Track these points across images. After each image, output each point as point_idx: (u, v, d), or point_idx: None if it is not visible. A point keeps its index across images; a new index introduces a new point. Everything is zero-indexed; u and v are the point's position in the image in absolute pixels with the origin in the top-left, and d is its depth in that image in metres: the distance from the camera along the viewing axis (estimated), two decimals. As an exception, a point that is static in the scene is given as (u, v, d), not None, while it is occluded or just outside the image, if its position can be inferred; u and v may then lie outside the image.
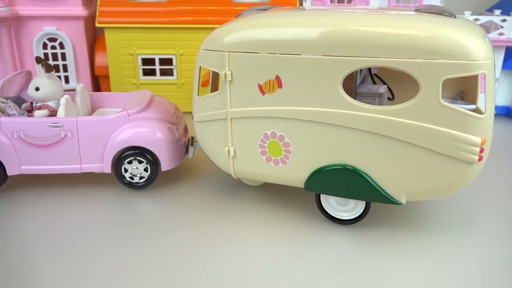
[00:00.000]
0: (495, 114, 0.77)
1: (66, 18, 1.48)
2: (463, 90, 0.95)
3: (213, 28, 0.88)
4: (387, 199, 0.79)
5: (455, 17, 0.76)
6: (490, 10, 1.62)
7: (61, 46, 1.51)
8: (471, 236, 0.83)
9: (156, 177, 0.98)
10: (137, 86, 1.50)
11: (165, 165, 0.98)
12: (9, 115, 0.96)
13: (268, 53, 0.78)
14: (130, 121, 0.95)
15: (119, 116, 0.95)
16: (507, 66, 1.47)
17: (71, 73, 1.54)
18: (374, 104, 0.79)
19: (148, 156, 0.96)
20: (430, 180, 0.76)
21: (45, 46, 1.49)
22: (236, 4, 1.47)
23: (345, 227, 0.85)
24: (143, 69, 1.49)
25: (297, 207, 0.91)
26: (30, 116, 0.97)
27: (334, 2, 1.55)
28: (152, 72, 1.50)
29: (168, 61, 1.49)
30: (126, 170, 0.96)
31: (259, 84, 0.81)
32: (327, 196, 0.84)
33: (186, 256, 0.76)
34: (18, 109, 0.99)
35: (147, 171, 0.97)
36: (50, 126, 0.91)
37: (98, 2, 1.45)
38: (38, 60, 0.98)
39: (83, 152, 0.94)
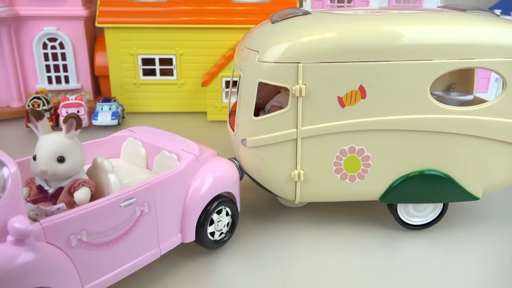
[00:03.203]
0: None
1: (66, 18, 1.48)
2: (455, 82, 0.97)
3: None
4: (467, 197, 0.80)
5: (498, 16, 0.79)
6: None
7: (61, 46, 1.51)
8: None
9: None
10: (137, 86, 1.50)
11: (239, 206, 0.81)
12: (34, 219, 0.58)
13: (351, 62, 0.71)
14: (200, 166, 0.74)
15: (190, 163, 0.71)
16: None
17: (71, 73, 1.54)
18: None
19: (230, 201, 0.78)
20: (510, 172, 0.79)
21: (45, 46, 1.49)
22: (236, 4, 1.47)
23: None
24: (143, 69, 1.49)
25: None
26: (55, 206, 0.60)
27: (334, 3, 1.55)
28: (152, 72, 1.50)
29: (168, 61, 1.49)
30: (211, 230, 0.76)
31: (338, 97, 0.73)
32: (405, 204, 0.82)
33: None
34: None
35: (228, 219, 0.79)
36: (121, 206, 0.62)
37: (98, 2, 1.45)
38: (37, 115, 0.61)
39: (161, 227, 0.68)
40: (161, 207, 0.67)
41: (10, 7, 1.41)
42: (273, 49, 0.73)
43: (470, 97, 0.93)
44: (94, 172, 0.67)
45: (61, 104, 1.34)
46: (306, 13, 0.80)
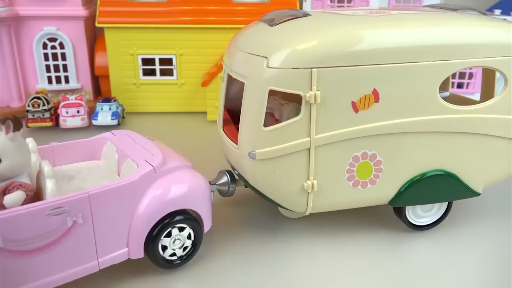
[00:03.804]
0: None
1: (66, 18, 1.48)
2: None
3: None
4: (471, 194, 0.81)
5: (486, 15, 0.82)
6: (490, 10, 1.61)
7: (61, 46, 1.51)
8: None
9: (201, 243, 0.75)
10: (137, 86, 1.50)
11: (207, 224, 0.75)
12: None
13: (366, 65, 0.69)
14: (158, 179, 0.68)
15: (145, 175, 0.66)
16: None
17: (71, 73, 1.54)
18: None
19: (192, 218, 0.72)
20: (509, 166, 0.82)
21: (45, 46, 1.49)
22: (236, 4, 1.47)
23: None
24: (143, 69, 1.49)
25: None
26: None
27: (334, 3, 1.55)
28: (152, 72, 1.50)
29: (168, 61, 1.49)
30: (164, 247, 0.70)
31: (352, 102, 0.71)
32: (412, 206, 0.82)
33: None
34: None
35: (189, 239, 0.73)
36: (49, 214, 0.58)
37: (98, 2, 1.45)
38: None
39: (100, 240, 0.63)
40: (101, 219, 0.63)
41: (10, 7, 1.42)
42: (284, 54, 0.68)
43: (446, 94, 0.96)
44: (40, 176, 0.64)
45: (61, 104, 1.34)
46: (306, 14, 0.77)
